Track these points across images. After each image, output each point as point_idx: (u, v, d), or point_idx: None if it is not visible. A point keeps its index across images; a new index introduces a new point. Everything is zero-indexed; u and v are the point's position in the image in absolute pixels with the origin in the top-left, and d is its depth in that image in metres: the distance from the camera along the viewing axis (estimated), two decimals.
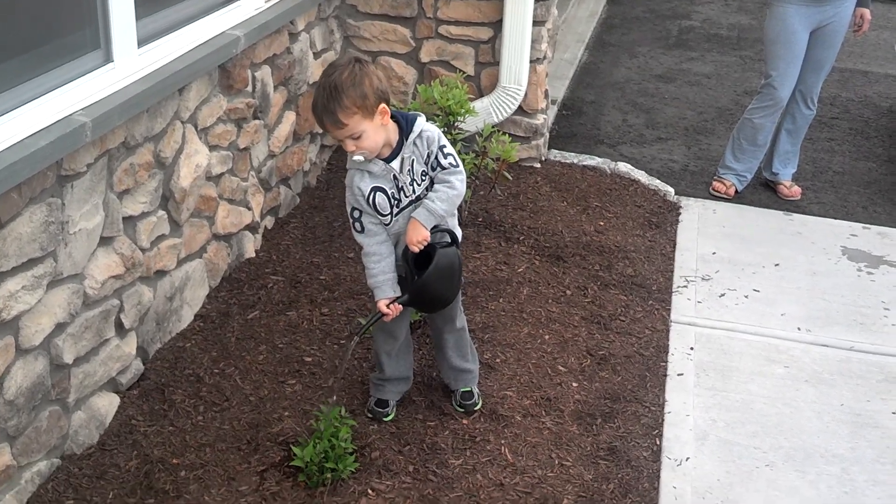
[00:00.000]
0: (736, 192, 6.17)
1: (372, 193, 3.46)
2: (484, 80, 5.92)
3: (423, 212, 3.47)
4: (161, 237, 4.04)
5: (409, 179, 3.48)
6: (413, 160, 3.45)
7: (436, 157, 3.46)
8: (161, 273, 4.08)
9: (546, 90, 6.14)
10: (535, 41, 5.81)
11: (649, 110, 7.46)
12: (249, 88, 4.65)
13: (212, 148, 4.37)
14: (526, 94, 5.87)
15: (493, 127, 5.40)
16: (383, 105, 3.32)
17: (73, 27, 3.56)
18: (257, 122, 4.77)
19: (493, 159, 5.27)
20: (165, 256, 4.08)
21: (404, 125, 3.44)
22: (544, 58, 5.97)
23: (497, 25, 5.77)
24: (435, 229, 3.55)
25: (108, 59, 3.67)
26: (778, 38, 5.85)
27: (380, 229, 3.55)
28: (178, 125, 4.07)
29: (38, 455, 3.42)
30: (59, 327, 3.44)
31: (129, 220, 3.82)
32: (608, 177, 6.10)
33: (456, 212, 3.65)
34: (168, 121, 3.98)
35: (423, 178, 3.50)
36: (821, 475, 3.87)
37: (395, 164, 3.44)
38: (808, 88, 6.03)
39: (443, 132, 5.22)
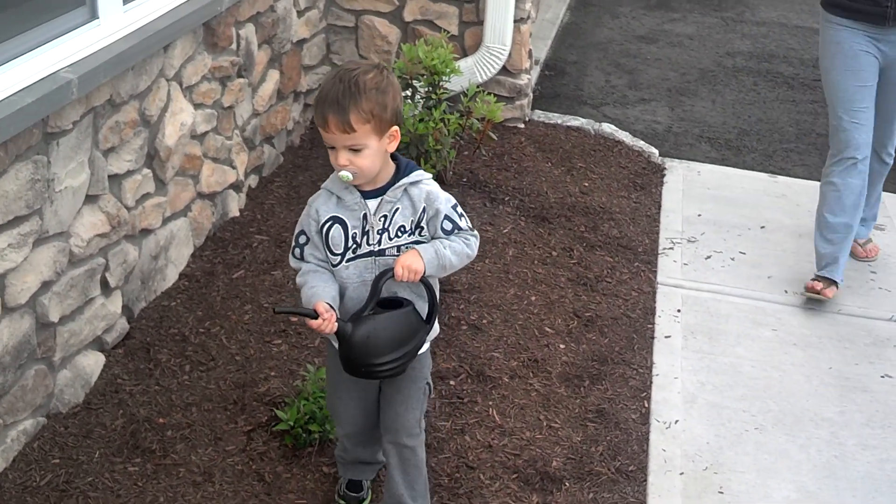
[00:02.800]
0: (837, 287, 4.80)
1: (329, 222, 2.87)
2: (468, 39, 5.87)
3: (430, 248, 2.87)
4: (146, 195, 4.00)
5: (381, 227, 2.87)
6: (396, 209, 2.87)
7: (447, 218, 2.89)
8: (146, 232, 4.04)
9: (530, 50, 6.10)
10: (518, 0, 5.76)
11: (632, 71, 7.44)
12: (234, 46, 4.59)
13: (196, 106, 4.32)
14: (510, 54, 5.84)
15: (477, 87, 5.37)
16: (396, 128, 2.80)
17: None
18: (241, 80, 4.71)
19: (477, 119, 5.25)
20: (150, 215, 4.04)
21: (402, 168, 2.90)
22: (528, 17, 5.94)
23: None
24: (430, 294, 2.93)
25: (93, 15, 3.62)
26: (834, 65, 4.66)
27: (322, 265, 2.92)
28: (164, 83, 4.02)
29: (23, 414, 3.39)
30: (45, 285, 3.40)
31: (115, 179, 3.77)
32: (592, 137, 6.08)
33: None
34: (153, 78, 3.92)
35: (400, 234, 2.88)
36: (810, 439, 3.89)
37: (373, 203, 2.85)
38: (881, 138, 4.86)
39: (428, 91, 5.23)
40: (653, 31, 8.30)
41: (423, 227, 2.91)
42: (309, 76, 5.68)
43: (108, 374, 3.78)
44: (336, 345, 2.91)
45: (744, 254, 5.13)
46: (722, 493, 3.62)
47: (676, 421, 3.92)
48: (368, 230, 2.86)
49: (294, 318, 4.10)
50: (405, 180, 2.86)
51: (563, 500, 3.46)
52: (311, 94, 5.76)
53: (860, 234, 5.14)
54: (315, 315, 2.78)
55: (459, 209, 2.93)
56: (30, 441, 3.44)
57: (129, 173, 3.84)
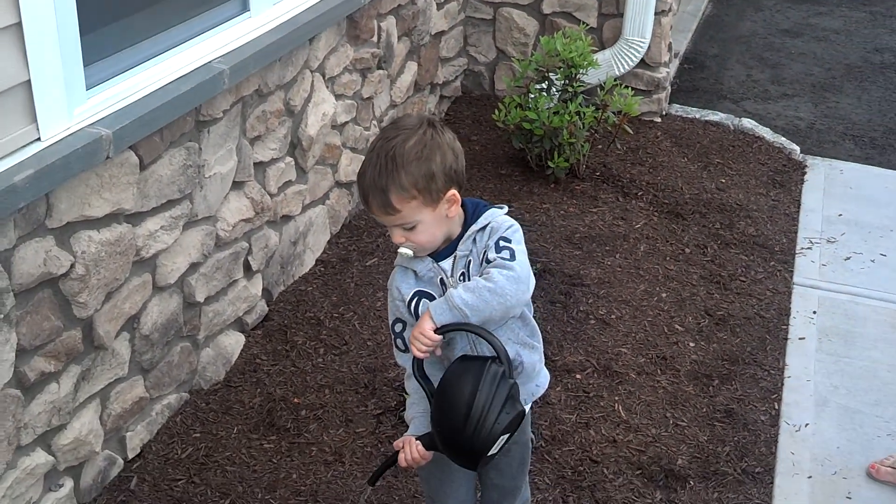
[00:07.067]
0: None
1: (415, 299, 2.56)
2: (606, 32, 5.94)
3: (440, 299, 2.48)
4: (288, 183, 4.20)
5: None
6: (470, 261, 2.53)
7: (485, 252, 2.50)
8: (287, 218, 4.24)
9: (670, 43, 6.12)
10: None
11: (775, 66, 7.38)
12: (375, 39, 4.77)
13: (337, 97, 4.51)
14: (649, 47, 5.88)
15: (614, 80, 5.42)
16: (453, 191, 2.46)
17: None
18: (381, 72, 4.88)
19: (613, 113, 5.31)
20: (291, 202, 4.24)
21: (470, 214, 2.56)
22: (669, 10, 5.96)
23: None
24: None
25: (245, 8, 3.83)
26: None
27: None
28: (308, 74, 4.21)
29: (168, 389, 3.62)
30: (193, 267, 3.62)
31: (259, 166, 3.98)
32: (731, 133, 6.08)
33: (540, 346, 2.73)
34: (298, 70, 4.11)
35: None
36: None
37: (447, 264, 2.54)
38: None
39: (564, 84, 5.31)
40: (798, 25, 8.20)
41: None
42: (446, 68, 5.82)
43: (247, 353, 4.00)
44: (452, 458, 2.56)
45: (885, 256, 5.07)
46: (850, 498, 3.60)
47: (807, 424, 3.91)
48: None
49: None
50: (473, 228, 2.53)
51: (686, 498, 3.51)
52: (448, 85, 5.91)
53: None
54: (395, 458, 2.59)
55: (508, 242, 2.49)
56: (173, 415, 3.68)
57: (273, 161, 4.05)
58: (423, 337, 2.42)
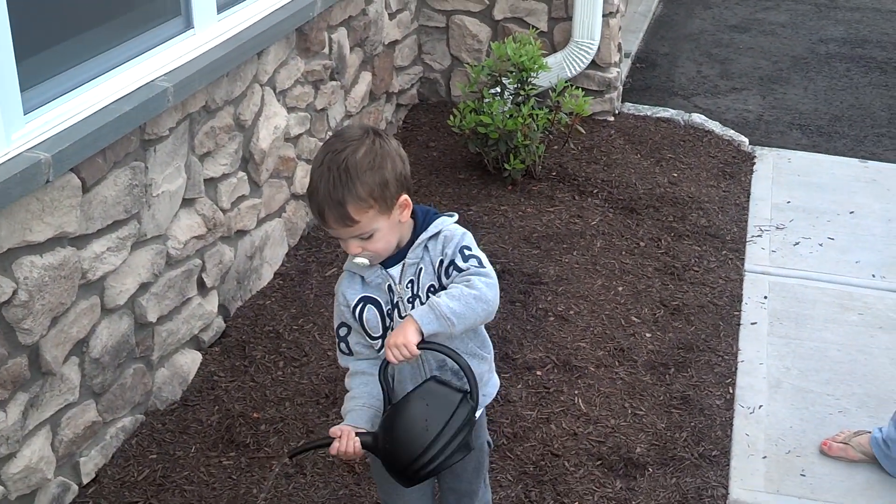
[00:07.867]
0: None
1: (360, 305, 2.47)
2: (557, 35, 5.84)
3: (423, 308, 2.35)
4: (241, 198, 4.06)
5: (410, 294, 2.45)
6: (420, 269, 2.44)
7: (451, 261, 2.42)
8: (241, 233, 4.10)
9: (619, 44, 6.03)
10: None
11: (724, 61, 7.29)
12: (326, 51, 4.64)
13: (290, 110, 4.37)
14: (599, 49, 5.77)
15: (566, 81, 5.33)
16: (405, 196, 2.38)
17: None
18: (334, 83, 4.75)
19: (566, 114, 5.22)
20: (246, 217, 4.10)
21: (420, 222, 2.47)
22: (617, 11, 5.88)
23: None
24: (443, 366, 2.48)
25: (188, 25, 3.69)
26: None
27: (370, 353, 2.54)
28: (257, 88, 4.07)
29: (122, 411, 3.47)
30: (143, 287, 3.47)
31: (211, 182, 3.84)
32: (682, 128, 5.98)
33: (489, 356, 2.64)
34: (247, 84, 3.98)
35: (431, 294, 2.45)
36: None
37: (395, 270, 2.45)
38: None
39: (516, 87, 5.20)
40: (745, 21, 8.13)
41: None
42: (401, 77, 5.70)
43: (204, 371, 3.86)
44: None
45: (832, 239, 4.99)
46: (804, 475, 3.54)
47: (761, 406, 3.85)
48: (398, 301, 2.46)
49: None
50: (423, 236, 2.44)
51: (645, 485, 3.43)
52: (404, 94, 5.80)
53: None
54: (330, 441, 2.41)
55: (471, 250, 2.43)
56: (128, 437, 3.52)
57: (225, 177, 3.91)
58: (406, 349, 2.30)
